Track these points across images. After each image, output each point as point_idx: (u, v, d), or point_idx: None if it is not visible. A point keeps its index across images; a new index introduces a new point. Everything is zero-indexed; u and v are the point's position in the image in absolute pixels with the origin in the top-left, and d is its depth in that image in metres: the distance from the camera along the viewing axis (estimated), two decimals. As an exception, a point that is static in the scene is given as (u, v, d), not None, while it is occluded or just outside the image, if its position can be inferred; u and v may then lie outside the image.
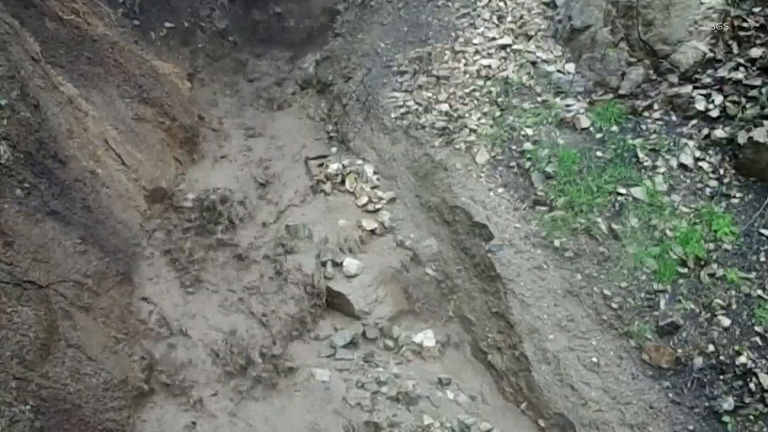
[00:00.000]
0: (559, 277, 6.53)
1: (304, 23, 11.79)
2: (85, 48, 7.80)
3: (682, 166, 6.67)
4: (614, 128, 7.14)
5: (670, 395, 5.80)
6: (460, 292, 7.26)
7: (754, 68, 6.70)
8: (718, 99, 6.78)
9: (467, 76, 8.24)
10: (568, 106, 7.55)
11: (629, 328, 6.08)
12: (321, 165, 8.81)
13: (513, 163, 7.35)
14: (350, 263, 7.40)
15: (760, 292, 5.87)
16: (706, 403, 5.68)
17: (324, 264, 7.46)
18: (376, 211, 8.04)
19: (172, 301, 7.03)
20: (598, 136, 7.16)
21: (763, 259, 6.02)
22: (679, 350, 5.89)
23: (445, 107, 8.06)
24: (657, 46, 7.33)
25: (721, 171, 6.54)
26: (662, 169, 6.69)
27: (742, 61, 6.80)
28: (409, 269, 7.50)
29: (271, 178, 8.87)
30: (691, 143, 6.75)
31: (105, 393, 5.72)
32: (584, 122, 7.28)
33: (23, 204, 5.73)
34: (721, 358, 5.73)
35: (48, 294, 5.57)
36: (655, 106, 7.13)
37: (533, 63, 8.09)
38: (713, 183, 6.52)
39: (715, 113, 6.75)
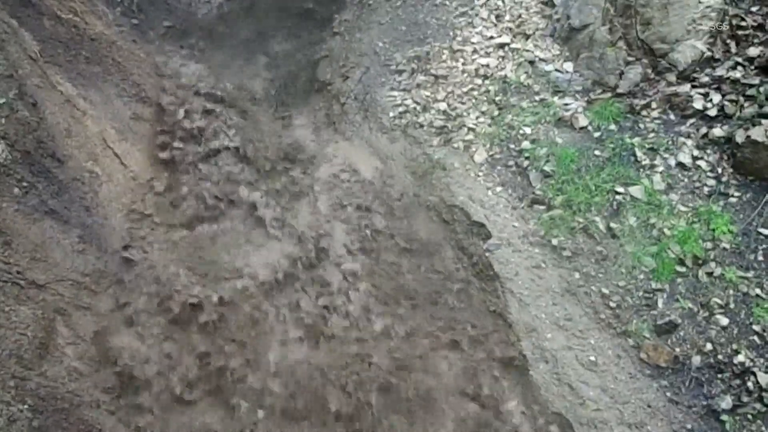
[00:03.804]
0: (557, 276, 6.54)
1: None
2: (83, 47, 7.79)
3: (680, 165, 6.68)
4: (612, 127, 7.15)
5: (668, 394, 5.80)
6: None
7: (752, 67, 6.70)
8: (716, 98, 6.78)
9: (465, 75, 8.24)
10: (566, 105, 7.55)
11: (627, 327, 6.09)
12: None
13: (511, 162, 7.35)
14: (349, 262, 7.38)
15: (758, 291, 5.88)
16: (704, 402, 5.68)
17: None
18: (375, 209, 8.01)
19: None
20: (597, 134, 7.16)
21: (761, 258, 6.02)
22: (677, 349, 5.89)
23: (443, 106, 8.05)
24: (655, 45, 7.33)
25: (719, 170, 6.54)
26: (660, 168, 6.70)
27: (740, 60, 6.80)
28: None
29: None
30: (689, 142, 6.76)
31: (104, 392, 5.72)
32: (582, 121, 7.28)
33: (21, 203, 5.73)
34: (720, 357, 5.74)
35: (46, 293, 5.57)
36: (654, 105, 7.13)
37: (531, 62, 8.08)
38: (711, 182, 6.53)
39: (713, 112, 6.76)
